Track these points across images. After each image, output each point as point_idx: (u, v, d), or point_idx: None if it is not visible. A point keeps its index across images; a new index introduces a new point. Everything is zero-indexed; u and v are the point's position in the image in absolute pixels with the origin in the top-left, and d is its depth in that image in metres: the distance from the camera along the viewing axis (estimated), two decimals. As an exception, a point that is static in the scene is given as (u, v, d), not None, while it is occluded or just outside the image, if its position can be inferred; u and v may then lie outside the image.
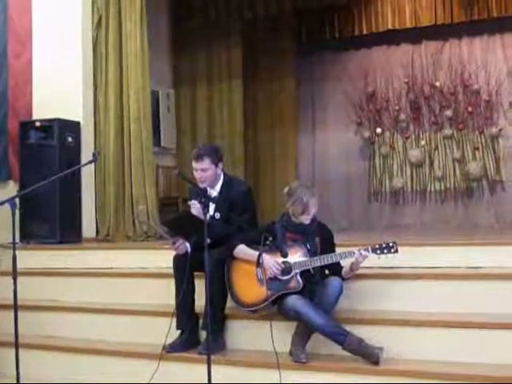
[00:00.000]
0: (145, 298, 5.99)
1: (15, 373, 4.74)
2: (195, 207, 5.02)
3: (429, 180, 10.69)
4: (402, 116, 10.84)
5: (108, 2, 8.19)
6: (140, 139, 8.01)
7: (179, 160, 10.35)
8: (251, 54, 11.03)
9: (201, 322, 5.30)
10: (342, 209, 10.91)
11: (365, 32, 10.76)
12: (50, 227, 7.49)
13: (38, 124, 7.69)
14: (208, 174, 5.31)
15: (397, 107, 10.88)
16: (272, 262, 4.90)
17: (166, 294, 5.57)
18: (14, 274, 4.67)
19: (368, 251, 4.83)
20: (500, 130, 10.27)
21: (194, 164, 5.34)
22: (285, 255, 4.90)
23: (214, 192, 5.41)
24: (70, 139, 7.70)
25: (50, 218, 7.49)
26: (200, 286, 5.16)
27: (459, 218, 10.39)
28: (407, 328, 4.88)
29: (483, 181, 10.37)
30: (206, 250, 4.43)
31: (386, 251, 4.83)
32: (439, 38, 10.68)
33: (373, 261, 4.93)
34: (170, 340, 5.22)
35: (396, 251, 4.84)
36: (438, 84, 10.61)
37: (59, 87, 7.94)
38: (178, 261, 5.28)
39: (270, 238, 4.96)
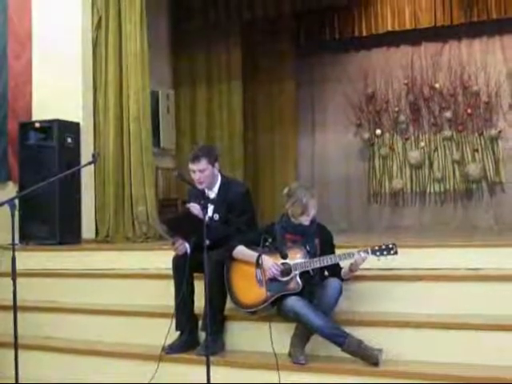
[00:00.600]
0: (144, 299, 5.99)
1: (14, 373, 4.74)
2: (195, 209, 5.02)
3: (428, 181, 10.68)
4: (402, 117, 10.84)
5: (108, 3, 8.20)
6: (139, 140, 8.00)
7: (178, 161, 10.33)
8: (251, 56, 11.03)
9: (200, 323, 5.31)
10: (341, 210, 10.91)
11: (364, 33, 10.76)
12: (50, 228, 7.49)
13: (37, 125, 7.69)
14: (206, 175, 5.32)
15: (396, 108, 10.88)
16: (271, 263, 4.90)
17: (165, 295, 5.57)
18: (14, 275, 4.67)
19: (367, 253, 4.84)
20: (499, 131, 10.27)
21: (191, 165, 5.35)
22: (284, 256, 4.90)
23: (211, 193, 5.42)
24: (69, 140, 7.70)
25: (50, 219, 7.49)
26: (199, 287, 5.15)
27: (458, 220, 10.39)
28: (407, 329, 4.88)
29: (482, 182, 10.36)
30: (205, 251, 4.43)
31: (385, 253, 4.83)
32: (439, 40, 10.68)
33: (372, 262, 4.93)
34: (169, 341, 5.23)
35: (395, 253, 4.85)
36: (437, 85, 10.61)
37: (59, 88, 7.94)
38: (178, 262, 5.28)
39: (270, 239, 4.96)
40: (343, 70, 11.18)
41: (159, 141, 9.82)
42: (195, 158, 5.32)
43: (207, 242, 4.50)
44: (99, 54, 8.20)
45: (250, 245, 5.03)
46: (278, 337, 4.88)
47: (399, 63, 10.90)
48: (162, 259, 5.83)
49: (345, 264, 4.98)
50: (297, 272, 4.87)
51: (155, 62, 8.91)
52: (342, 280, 4.97)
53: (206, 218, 4.58)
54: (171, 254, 5.39)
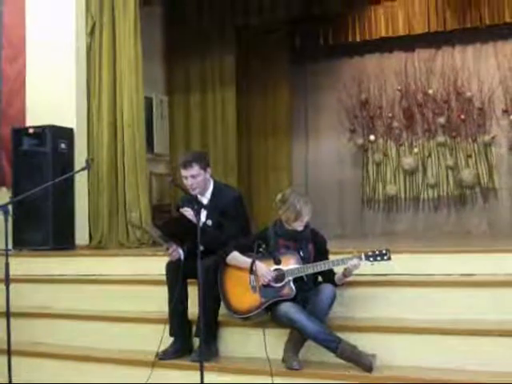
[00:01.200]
0: (138, 305, 5.97)
1: (8, 379, 4.73)
2: (188, 214, 5.01)
3: (422, 187, 10.72)
4: (395, 123, 10.87)
5: (102, 9, 8.19)
6: (133, 146, 7.99)
7: (172, 167, 10.33)
8: (245, 62, 11.06)
9: (194, 329, 5.30)
10: (335, 216, 10.93)
11: (358, 40, 10.82)
12: (43, 234, 7.47)
13: (30, 130, 7.67)
14: (198, 180, 5.31)
15: (390, 114, 10.91)
16: (265, 269, 4.90)
17: (158, 300, 5.55)
18: (7, 280, 4.67)
19: (361, 258, 4.84)
20: (493, 137, 10.31)
21: (183, 172, 5.33)
22: (278, 262, 4.89)
23: (204, 199, 5.40)
24: (63, 146, 7.68)
25: (43, 224, 7.47)
26: (193, 293, 5.15)
27: (452, 225, 10.42)
28: (400, 335, 4.88)
29: (476, 188, 10.40)
30: (198, 256, 4.42)
31: (378, 258, 4.84)
32: (432, 46, 10.73)
33: (366, 268, 4.93)
34: (162, 347, 5.22)
35: (389, 258, 4.85)
36: (430, 91, 10.65)
37: (52, 94, 7.93)
38: (171, 268, 5.28)
39: (263, 245, 4.95)
40: (337, 76, 11.22)
41: (153, 147, 9.82)
42: (187, 164, 5.31)
43: (201, 247, 4.49)
44: (93, 60, 8.18)
45: (243, 251, 5.02)
46: (271, 343, 4.88)
47: (393, 69, 10.94)
48: (156, 265, 5.82)
49: (338, 269, 4.98)
50: (290, 278, 4.87)
51: (149, 68, 8.91)
52: (336, 285, 4.97)
53: (200, 224, 4.56)
54: (165, 260, 5.39)
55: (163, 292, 5.37)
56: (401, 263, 5.33)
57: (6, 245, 4.90)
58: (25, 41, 8.23)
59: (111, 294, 6.20)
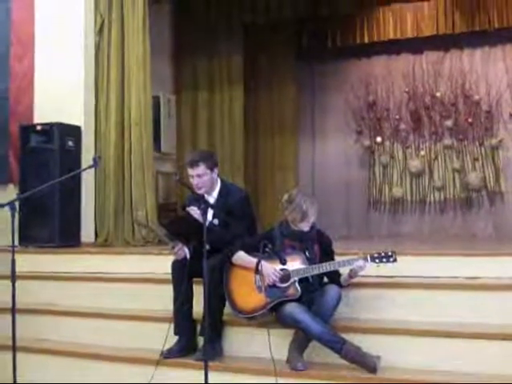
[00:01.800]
0: (143, 304, 5.99)
1: (12, 376, 4.75)
2: (194, 213, 5.02)
3: (428, 190, 10.69)
4: (403, 125, 10.85)
5: (111, 7, 8.19)
6: (140, 144, 8.00)
7: (179, 166, 10.33)
8: (252, 61, 11.04)
9: (198, 328, 5.31)
10: (341, 217, 10.90)
11: (366, 41, 10.77)
12: (49, 231, 7.47)
13: (38, 128, 7.66)
14: (204, 180, 5.32)
15: (397, 116, 10.89)
16: (271, 269, 4.90)
17: (164, 299, 5.56)
18: (13, 277, 4.68)
19: (367, 260, 4.85)
20: (500, 141, 10.28)
21: (190, 171, 5.34)
22: (283, 262, 4.89)
23: (211, 198, 5.41)
24: (70, 143, 7.68)
25: (50, 222, 7.47)
26: (198, 292, 5.15)
27: (458, 228, 10.39)
28: (405, 337, 4.89)
29: (482, 191, 10.37)
30: (204, 255, 4.43)
31: (384, 260, 4.85)
32: (440, 49, 10.69)
33: (372, 269, 4.94)
34: (167, 346, 5.22)
35: (395, 260, 4.86)
36: (438, 94, 10.62)
37: (60, 91, 7.94)
38: (177, 266, 5.29)
39: (269, 246, 4.95)
40: (344, 77, 11.20)
41: (160, 145, 9.82)
42: (193, 163, 5.31)
43: (207, 246, 4.49)
44: (101, 58, 8.19)
45: (249, 250, 5.03)
46: (276, 343, 4.87)
47: (400, 71, 10.91)
48: (161, 264, 5.83)
49: (344, 271, 4.98)
50: (296, 278, 4.88)
51: (157, 67, 8.91)
52: (341, 286, 4.97)
53: (206, 223, 4.57)
54: (170, 259, 5.41)
55: (168, 291, 5.38)
56: (407, 265, 5.34)
57: (13, 241, 4.91)
58: (34, 38, 8.23)
59: (117, 292, 6.22)
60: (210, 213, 5.30)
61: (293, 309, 4.78)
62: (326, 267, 4.87)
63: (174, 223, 5.45)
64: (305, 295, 4.89)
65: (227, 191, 5.45)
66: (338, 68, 11.26)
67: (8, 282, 4.68)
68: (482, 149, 10.41)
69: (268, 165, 11.21)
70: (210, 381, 4.39)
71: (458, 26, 10.15)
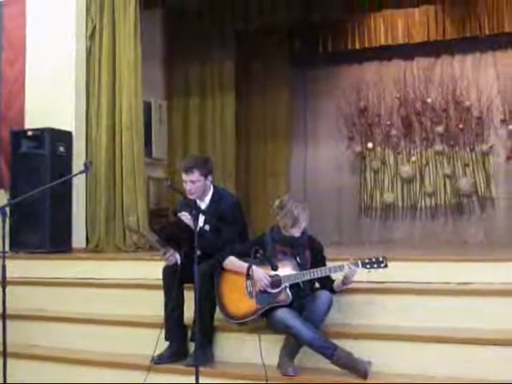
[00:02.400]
0: (134, 309, 5.97)
1: (2, 381, 4.73)
2: (186, 219, 5.02)
3: (419, 195, 10.72)
4: (394, 131, 10.88)
5: (102, 12, 8.19)
6: (131, 149, 7.98)
7: (170, 171, 10.32)
8: (244, 67, 11.06)
9: (189, 333, 5.30)
10: (332, 223, 10.91)
11: (358, 47, 10.82)
12: (40, 237, 7.45)
13: (29, 133, 7.65)
14: (197, 186, 5.31)
15: (388, 122, 10.92)
16: (262, 274, 4.90)
17: (155, 305, 5.54)
18: (3, 283, 4.66)
19: (357, 265, 4.84)
20: (491, 146, 10.32)
21: (184, 176, 5.34)
22: (275, 268, 4.89)
23: (202, 204, 5.41)
24: (61, 149, 7.66)
25: (41, 227, 7.45)
26: (189, 298, 5.15)
27: (449, 234, 10.42)
28: (397, 342, 4.89)
29: (473, 197, 10.41)
30: (195, 261, 4.42)
31: (375, 266, 4.85)
32: (431, 55, 10.74)
33: (363, 275, 4.94)
34: (158, 351, 5.21)
35: (386, 266, 4.86)
36: (429, 100, 10.66)
37: (52, 96, 7.93)
38: (168, 272, 5.28)
39: (261, 251, 4.95)
40: (336, 83, 11.22)
41: (151, 151, 9.82)
42: (188, 169, 5.31)
43: (198, 252, 4.48)
44: (93, 63, 8.18)
45: (240, 256, 5.02)
46: (267, 348, 4.88)
47: (392, 77, 10.94)
48: (153, 269, 5.82)
49: (337, 277, 4.98)
50: (287, 284, 4.87)
51: (148, 72, 8.90)
52: (334, 292, 4.97)
53: (198, 229, 4.56)
54: (161, 265, 5.39)
55: (159, 296, 5.37)
56: (398, 271, 5.34)
57: (3, 247, 4.90)
58: (25, 43, 8.22)
59: (108, 298, 6.20)
60: (202, 219, 5.29)
61: (284, 314, 4.77)
62: (317, 273, 4.86)
63: (166, 229, 5.43)
64: (296, 301, 4.88)
65: (219, 197, 5.45)
66: (329, 74, 11.28)
67: (-2, 288, 4.67)
68: (473, 154, 10.45)
69: (260, 170, 11.22)
70: (201, 386, 4.39)
71: (449, 33, 10.21)
